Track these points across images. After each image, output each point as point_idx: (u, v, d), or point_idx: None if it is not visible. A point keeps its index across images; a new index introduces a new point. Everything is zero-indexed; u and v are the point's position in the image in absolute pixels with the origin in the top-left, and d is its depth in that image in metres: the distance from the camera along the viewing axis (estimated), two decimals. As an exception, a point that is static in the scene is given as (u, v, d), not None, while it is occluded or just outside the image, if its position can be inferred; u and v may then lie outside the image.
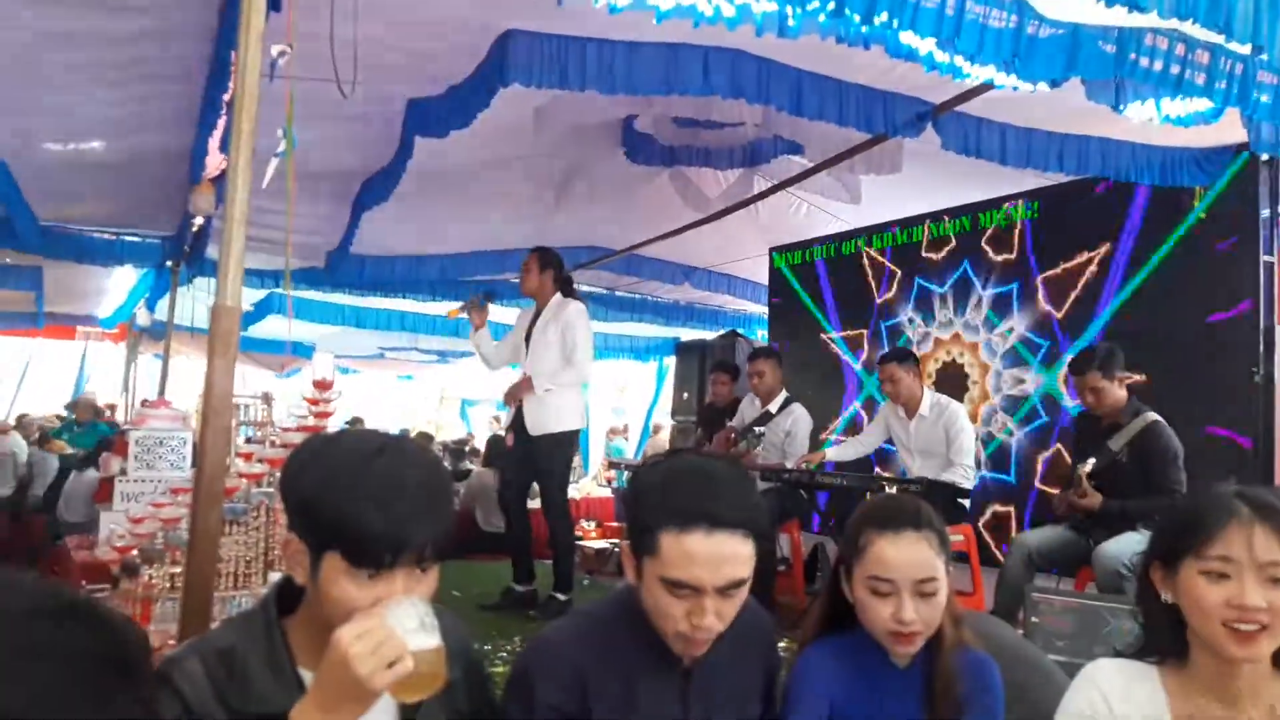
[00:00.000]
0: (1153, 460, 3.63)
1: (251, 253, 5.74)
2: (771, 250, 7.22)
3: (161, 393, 7.19)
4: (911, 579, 1.56)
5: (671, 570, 1.36)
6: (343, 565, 1.19)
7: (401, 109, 4.17)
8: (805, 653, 1.69)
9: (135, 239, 6.58)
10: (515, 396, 4.84)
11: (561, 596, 4.71)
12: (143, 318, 8.72)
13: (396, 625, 1.15)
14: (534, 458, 4.78)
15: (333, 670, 1.13)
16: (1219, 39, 2.87)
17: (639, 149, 5.09)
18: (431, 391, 15.57)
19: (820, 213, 6.35)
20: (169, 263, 6.74)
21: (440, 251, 6.75)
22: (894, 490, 4.10)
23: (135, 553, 2.96)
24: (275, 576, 2.78)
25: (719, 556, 1.36)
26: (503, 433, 5.29)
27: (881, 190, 5.37)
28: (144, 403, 5.64)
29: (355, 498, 1.18)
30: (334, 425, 3.15)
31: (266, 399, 3.16)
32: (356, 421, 12.64)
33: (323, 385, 2.97)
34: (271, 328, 7.96)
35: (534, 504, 5.22)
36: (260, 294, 7.40)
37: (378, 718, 1.27)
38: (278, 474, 2.80)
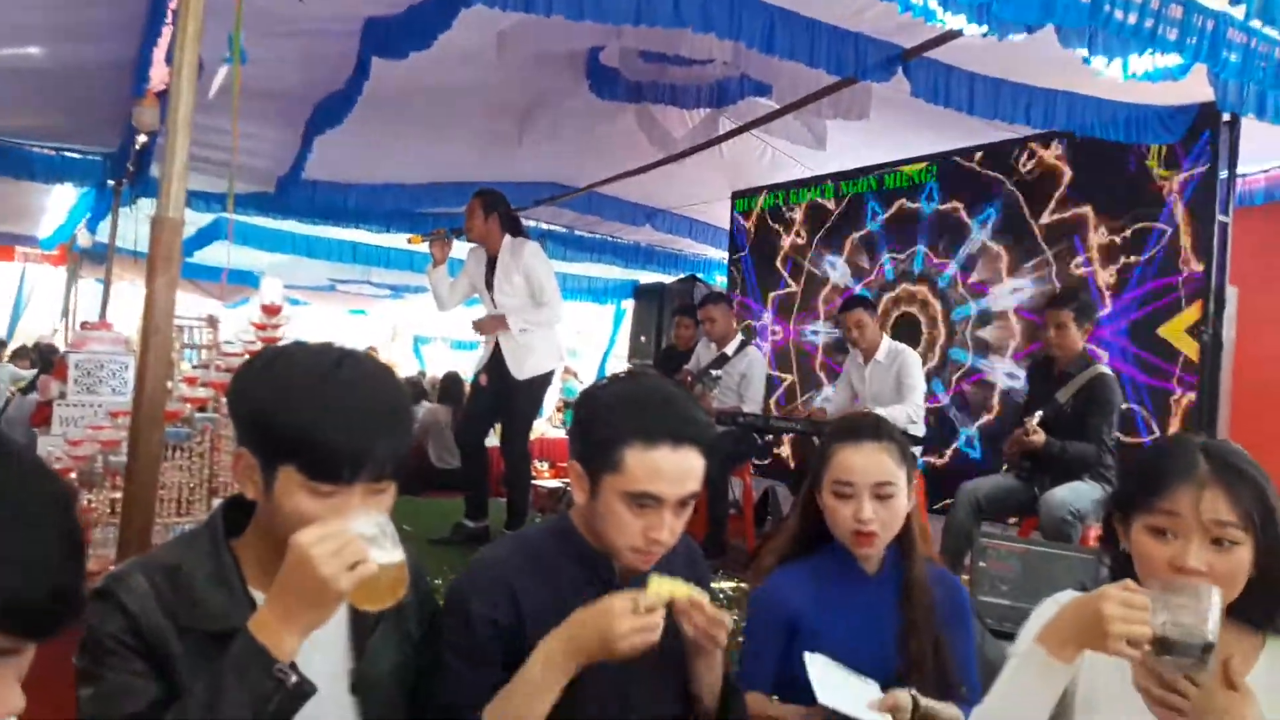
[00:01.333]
0: (1091, 409, 3.71)
1: (196, 174, 5.56)
2: (734, 195, 7.16)
3: (103, 316, 6.96)
4: (870, 482, 1.70)
5: (636, 484, 1.40)
6: (299, 479, 1.15)
7: (359, 28, 4.01)
8: (769, 577, 1.82)
9: (76, 155, 6.29)
10: (487, 330, 4.79)
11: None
12: (83, 239, 8.40)
13: (358, 533, 1.12)
14: (510, 398, 4.75)
15: (292, 575, 1.10)
16: (1194, -7, 2.87)
17: (604, 83, 4.97)
18: (383, 327, 15.34)
19: (784, 158, 6.29)
20: (111, 182, 6.48)
21: (396, 181, 6.58)
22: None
23: (73, 476, 2.88)
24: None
25: (682, 470, 1.41)
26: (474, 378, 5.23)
27: (846, 139, 5.33)
28: (84, 325, 5.46)
29: (315, 409, 1.14)
30: None
31: (211, 321, 3.05)
32: (371, 350, 12.62)
33: (271, 310, 2.88)
34: (216, 254, 7.71)
35: (489, 442, 5.20)
36: (206, 218, 7.15)
37: (329, 643, 1.24)
38: (223, 398, 2.72)
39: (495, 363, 4.75)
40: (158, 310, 1.83)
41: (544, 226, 7.66)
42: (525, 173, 6.47)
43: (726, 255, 7.46)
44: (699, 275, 8.22)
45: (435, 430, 7.07)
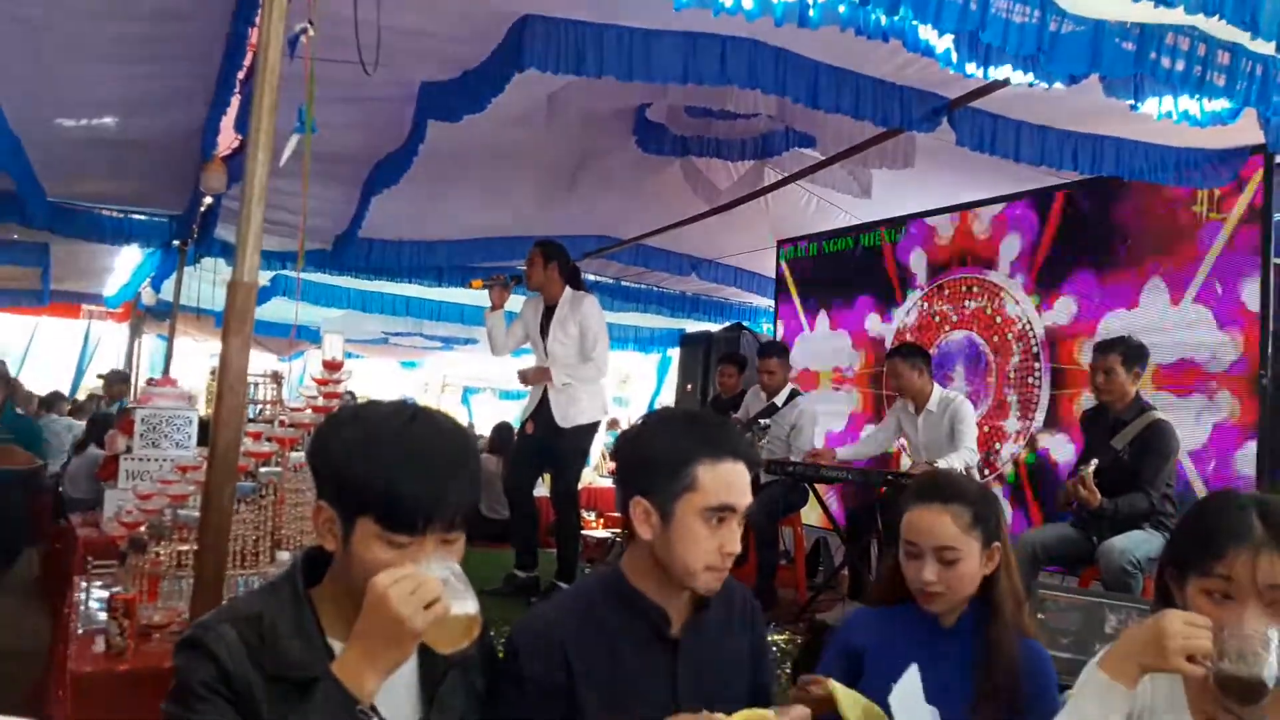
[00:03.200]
0: (1146, 458, 3.65)
1: (266, 235, 5.74)
2: (779, 243, 7.21)
3: (166, 371, 7.19)
4: (932, 545, 1.74)
5: (713, 497, 1.47)
6: (376, 530, 1.22)
7: (414, 92, 4.16)
8: (859, 611, 1.91)
9: (143, 217, 6.56)
10: (532, 381, 4.86)
11: (564, 585, 4.72)
12: (148, 297, 8.70)
13: (432, 576, 1.19)
14: (556, 448, 4.80)
15: (371, 616, 1.17)
16: (1241, 38, 2.87)
17: (651, 138, 5.07)
18: (434, 378, 15.56)
19: (829, 207, 6.33)
20: (176, 242, 6.73)
21: (449, 237, 6.74)
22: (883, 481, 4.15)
23: (143, 529, 2.96)
24: (284, 556, 2.78)
25: (744, 481, 1.51)
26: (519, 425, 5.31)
27: (890, 186, 5.36)
28: (150, 381, 5.64)
29: (392, 463, 1.21)
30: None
31: (276, 378, 3.15)
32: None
33: (332, 365, 2.97)
34: (276, 310, 7.93)
35: (537, 492, 5.24)
36: (266, 277, 7.38)
37: (401, 693, 1.28)
38: (287, 453, 2.79)
39: (541, 411, 4.81)
40: (231, 370, 1.90)
41: (592, 277, 7.76)
42: (574, 226, 6.59)
43: (773, 303, 7.49)
44: (745, 323, 8.24)
45: (486, 481, 7.11)
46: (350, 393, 10.28)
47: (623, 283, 8.10)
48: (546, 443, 4.81)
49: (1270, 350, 4.26)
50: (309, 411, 2.83)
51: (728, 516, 1.48)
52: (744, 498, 1.50)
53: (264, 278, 7.43)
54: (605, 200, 6.13)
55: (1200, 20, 2.67)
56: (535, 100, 4.28)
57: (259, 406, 3.06)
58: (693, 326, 9.06)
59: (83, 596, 2.95)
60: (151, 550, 2.86)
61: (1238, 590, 1.30)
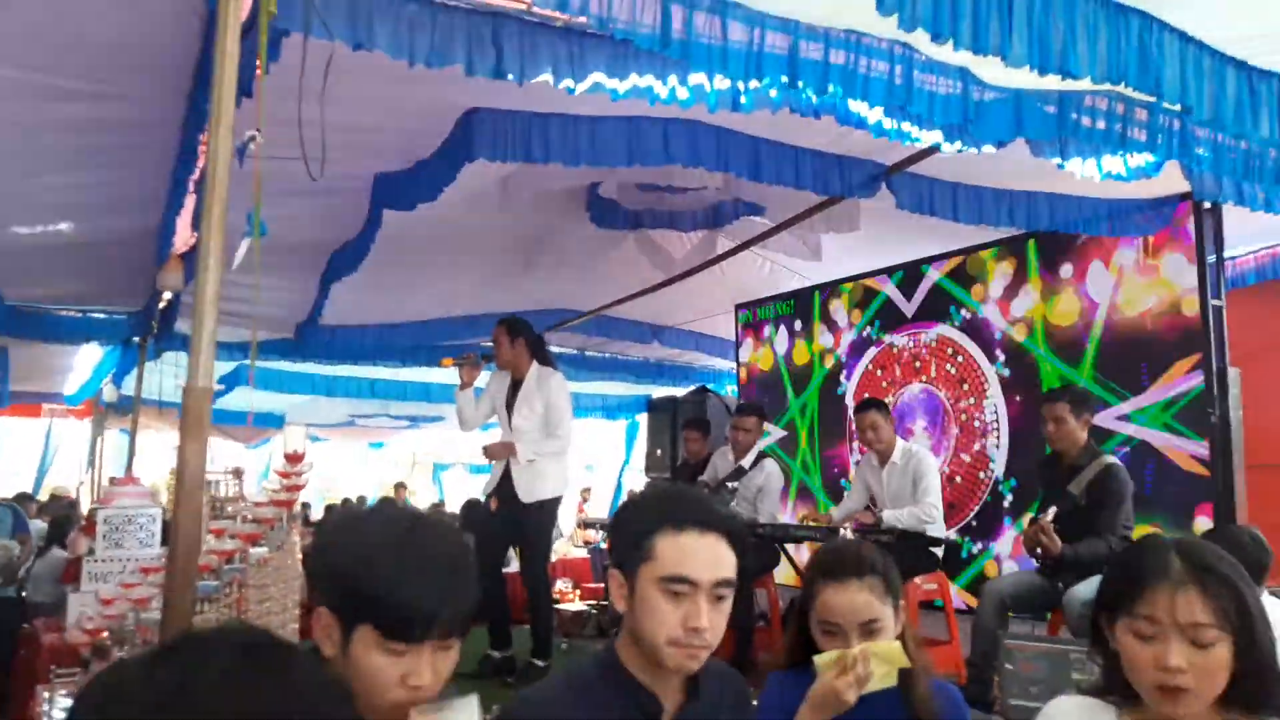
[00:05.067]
0: (1101, 502, 3.72)
1: (227, 326, 5.75)
2: (737, 307, 7.33)
3: (129, 469, 7.09)
4: (856, 623, 1.74)
5: (669, 568, 1.45)
6: (375, 638, 1.24)
7: (369, 183, 4.24)
8: (772, 677, 1.85)
9: (102, 315, 6.55)
10: (496, 456, 4.85)
11: (540, 663, 4.67)
12: (109, 393, 8.61)
13: None
14: (521, 524, 4.79)
15: None
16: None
17: (604, 214, 5.18)
18: (403, 457, 15.45)
19: (783, 270, 6.47)
20: (136, 338, 6.71)
21: (410, 319, 6.79)
22: (863, 539, 4.16)
23: (106, 635, 2.92)
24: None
25: (712, 554, 1.47)
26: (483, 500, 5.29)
27: (843, 247, 5.50)
28: (112, 480, 5.57)
29: (393, 573, 1.24)
30: (305, 497, 3.15)
31: (237, 474, 3.15)
32: (400, 488, 12.76)
33: (294, 458, 2.97)
34: (239, 399, 7.91)
35: (508, 569, 5.20)
36: (228, 366, 7.37)
37: None
38: (250, 549, 2.78)
39: (504, 487, 4.80)
40: (189, 474, 1.92)
41: (555, 349, 7.80)
42: (534, 300, 6.67)
43: (734, 366, 7.59)
44: (709, 387, 8.31)
45: (458, 560, 7.04)
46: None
47: (586, 353, 8.17)
48: (511, 519, 4.80)
49: (1216, 390, 4.40)
50: (271, 506, 2.83)
51: (687, 590, 1.44)
52: (708, 571, 1.45)
53: (226, 368, 7.42)
54: (564, 275, 6.22)
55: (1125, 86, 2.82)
56: (489, 184, 4.39)
57: (220, 504, 3.05)
58: (659, 392, 9.12)
59: (46, 707, 2.89)
60: (115, 655, 2.82)
61: (1160, 630, 1.35)
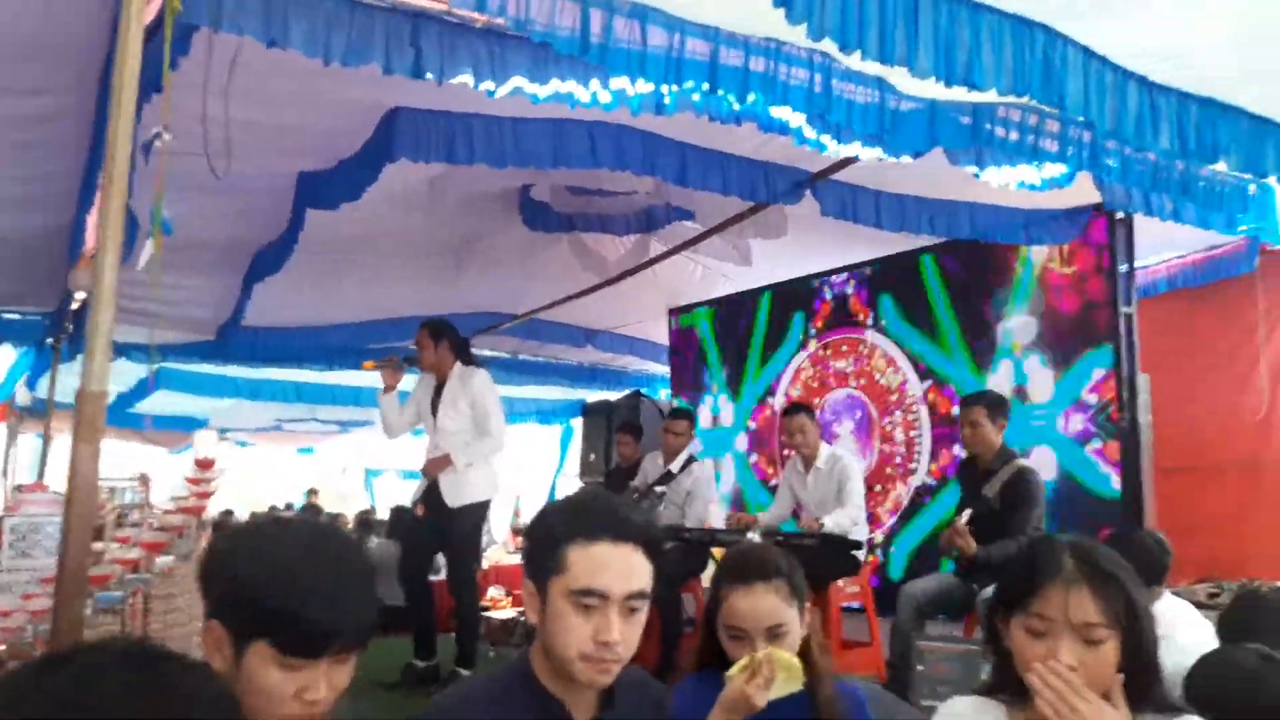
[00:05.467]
0: (1014, 505, 3.82)
1: (137, 327, 5.58)
2: (670, 311, 7.36)
3: (40, 475, 6.84)
4: (762, 628, 1.75)
5: (580, 580, 1.42)
6: (271, 653, 1.20)
7: (292, 182, 4.16)
8: (682, 682, 1.86)
9: (14, 316, 6.31)
10: (434, 471, 4.78)
11: (465, 671, 4.61)
12: (23, 396, 8.31)
13: None
14: (448, 530, 4.73)
15: None
16: (1063, 110, 3.11)
17: (536, 217, 5.15)
18: (334, 463, 15.15)
19: (715, 275, 6.51)
20: (49, 340, 6.48)
21: (338, 321, 6.66)
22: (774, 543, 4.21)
23: (3, 648, 2.81)
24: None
25: (625, 566, 1.43)
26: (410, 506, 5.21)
27: (774, 251, 5.55)
28: (19, 488, 5.36)
29: (291, 588, 1.20)
30: (231, 504, 3.06)
31: (144, 480, 3.05)
32: (312, 494, 12.41)
33: (205, 464, 2.90)
34: (159, 402, 7.68)
35: (435, 576, 5.14)
36: (145, 369, 7.15)
37: None
38: (156, 558, 2.70)
39: (431, 493, 4.74)
40: (81, 480, 1.85)
41: (488, 353, 7.76)
42: (466, 303, 6.60)
43: (669, 370, 7.62)
44: (643, 391, 8.33)
45: (384, 567, 6.92)
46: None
47: (520, 357, 8.12)
48: (438, 525, 4.73)
49: (1126, 395, 4.54)
50: (180, 514, 2.75)
51: (598, 603, 1.41)
52: (619, 583, 1.41)
53: (144, 370, 7.20)
54: (495, 277, 6.17)
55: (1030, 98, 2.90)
56: (417, 184, 4.33)
57: (125, 511, 2.95)
58: (593, 396, 9.10)
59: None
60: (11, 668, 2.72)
61: (1052, 627, 1.39)
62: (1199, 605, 3.75)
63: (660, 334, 7.63)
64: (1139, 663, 1.40)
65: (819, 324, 6.30)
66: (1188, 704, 2.03)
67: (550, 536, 1.46)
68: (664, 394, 8.25)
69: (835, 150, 3.24)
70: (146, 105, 2.39)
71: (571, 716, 1.47)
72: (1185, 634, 2.82)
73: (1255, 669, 1.99)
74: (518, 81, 2.64)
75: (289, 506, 11.53)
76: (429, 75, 2.51)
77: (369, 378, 6.05)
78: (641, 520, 1.51)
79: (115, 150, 1.90)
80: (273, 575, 1.21)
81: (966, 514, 3.75)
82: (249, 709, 1.18)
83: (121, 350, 5.49)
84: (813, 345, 6.34)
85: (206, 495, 2.82)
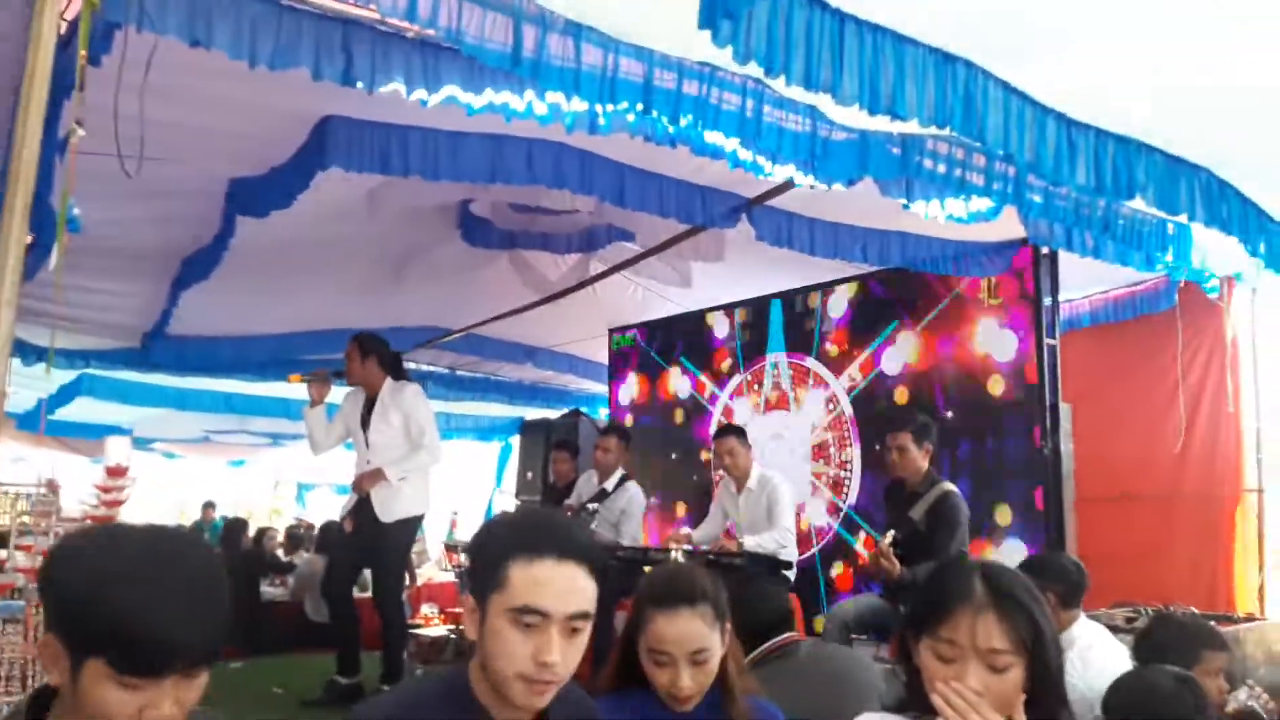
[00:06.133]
0: (938, 528, 3.89)
1: (63, 333, 5.41)
2: (611, 331, 7.37)
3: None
4: (686, 651, 1.73)
5: (520, 597, 1.37)
6: (107, 671, 1.12)
7: (223, 188, 4.08)
8: (599, 703, 1.76)
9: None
10: (365, 487, 4.70)
11: (389, 689, 4.53)
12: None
13: None
14: (378, 546, 4.65)
15: None
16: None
17: (476, 233, 5.13)
18: (265, 476, 14.82)
19: (654, 296, 6.55)
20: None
21: (270, 331, 6.53)
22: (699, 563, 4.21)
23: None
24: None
25: (567, 585, 1.39)
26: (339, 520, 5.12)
27: (714, 275, 5.60)
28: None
29: (127, 604, 1.11)
30: (128, 513, 2.97)
31: (51, 487, 2.95)
32: (208, 507, 12.01)
33: (116, 472, 2.82)
34: (83, 410, 7.44)
35: (364, 594, 5.05)
36: (70, 375, 6.94)
37: None
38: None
39: (363, 507, 4.67)
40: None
41: (425, 368, 7.68)
42: (403, 317, 6.53)
43: (608, 389, 7.62)
44: (583, 409, 8.32)
45: (312, 583, 6.79)
46: (117, 524, 9.66)
47: (458, 372, 8.05)
48: (367, 540, 4.66)
49: (1048, 422, 4.65)
50: (86, 522, 2.66)
51: (539, 622, 1.36)
52: (561, 602, 1.37)
53: (67, 376, 6.99)
54: (434, 291, 6.12)
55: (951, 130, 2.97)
56: (354, 195, 4.28)
57: (32, 518, 2.85)
58: (533, 414, 9.06)
59: None
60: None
61: (959, 652, 1.40)
62: (1117, 629, 3.85)
63: (601, 353, 7.63)
64: (1044, 688, 1.42)
65: (755, 346, 6.36)
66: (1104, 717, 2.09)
67: (493, 552, 1.42)
68: (603, 413, 8.25)
69: (771, 173, 3.27)
70: (66, 102, 2.34)
71: None
72: (1100, 656, 2.90)
73: (1172, 689, 2.05)
74: (451, 90, 2.63)
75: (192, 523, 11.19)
76: (359, 83, 2.48)
77: (299, 390, 5.95)
78: (586, 540, 1.48)
79: (21, 147, 1.85)
80: (104, 588, 1.11)
81: (890, 535, 3.81)
82: None
83: (35, 353, 5.30)
84: (749, 367, 6.39)
85: (117, 504, 2.74)
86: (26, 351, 5.24)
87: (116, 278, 5.09)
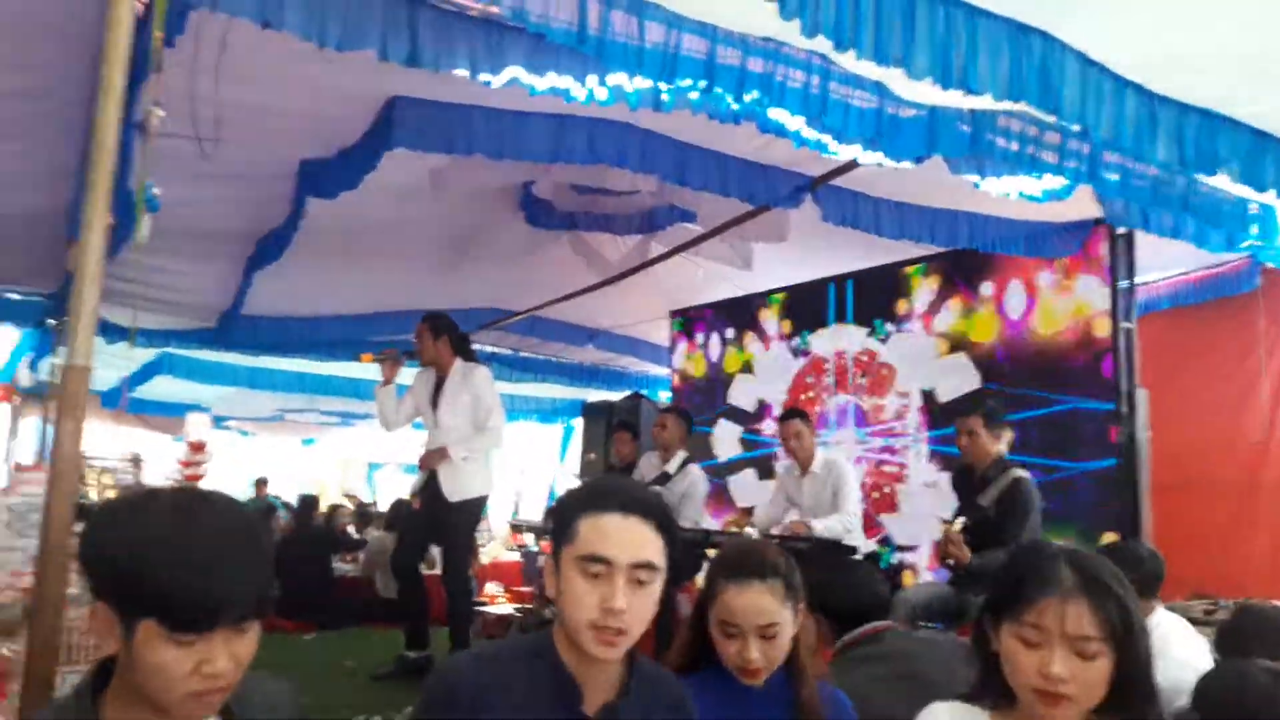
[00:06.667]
0: (1008, 515, 3.80)
1: (144, 312, 5.60)
2: (672, 313, 7.35)
3: (43, 456, 6.86)
4: (754, 624, 1.73)
5: (586, 546, 1.45)
6: (159, 630, 1.16)
7: (294, 169, 4.17)
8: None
9: (16, 296, 6.34)
10: (430, 464, 4.79)
11: (455, 664, 4.62)
12: (25, 378, 8.34)
13: None
14: (445, 524, 4.74)
15: None
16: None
17: (538, 214, 5.15)
18: (336, 455, 15.17)
19: (717, 278, 6.50)
20: (51, 321, 6.51)
21: (339, 312, 6.67)
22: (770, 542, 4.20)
23: (-11, 626, 2.82)
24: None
25: (631, 535, 1.46)
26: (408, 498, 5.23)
27: (775, 256, 5.55)
28: (18, 467, 5.38)
29: (169, 562, 1.15)
30: (213, 485, 3.05)
31: (135, 461, 3.05)
32: (260, 484, 12.21)
33: (196, 447, 2.91)
34: (162, 388, 7.69)
35: (432, 571, 5.15)
36: (151, 354, 7.18)
37: None
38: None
39: (430, 486, 4.75)
40: (63, 456, 1.85)
41: (489, 349, 7.76)
42: (467, 299, 6.61)
43: (668, 371, 7.61)
44: (643, 392, 8.32)
45: (382, 559, 6.94)
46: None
47: (521, 354, 8.12)
48: (435, 519, 4.74)
49: (1125, 410, 4.51)
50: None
51: (605, 571, 1.42)
52: (625, 551, 1.43)
53: (147, 354, 7.23)
54: (497, 273, 6.18)
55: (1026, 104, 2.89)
56: (418, 176, 4.33)
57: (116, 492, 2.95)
58: (594, 396, 9.10)
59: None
60: (3, 647, 2.72)
61: (1045, 637, 1.38)
62: (1194, 621, 3.73)
63: (661, 335, 7.62)
64: (1130, 678, 1.39)
65: (818, 329, 6.28)
66: (1195, 711, 2.03)
67: (566, 511, 1.51)
68: (664, 396, 8.25)
69: (836, 152, 3.22)
70: (143, 84, 2.41)
71: (582, 694, 1.48)
72: (1179, 648, 2.81)
73: (1267, 684, 1.98)
74: (514, 72, 2.64)
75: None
76: (425, 64, 2.51)
77: (369, 370, 6.08)
78: (653, 498, 1.54)
79: (103, 129, 1.90)
80: (148, 549, 1.16)
81: (960, 522, 3.74)
82: (151, 690, 1.17)
83: (118, 332, 5.49)
84: (812, 349, 6.32)
85: (197, 477, 2.83)
86: (110, 330, 5.43)
87: (193, 259, 5.24)
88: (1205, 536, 5.07)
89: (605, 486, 1.56)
